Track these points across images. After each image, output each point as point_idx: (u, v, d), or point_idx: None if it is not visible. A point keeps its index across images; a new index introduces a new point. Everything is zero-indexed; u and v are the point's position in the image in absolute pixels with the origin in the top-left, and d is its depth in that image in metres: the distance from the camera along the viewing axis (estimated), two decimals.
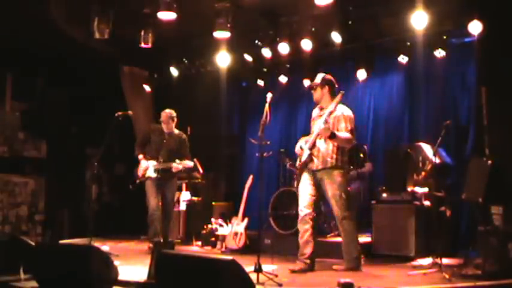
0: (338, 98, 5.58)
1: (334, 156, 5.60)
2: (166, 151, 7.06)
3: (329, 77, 5.84)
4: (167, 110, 7.19)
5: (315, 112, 5.93)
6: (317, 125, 5.67)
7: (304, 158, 5.69)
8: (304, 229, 5.64)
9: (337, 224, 5.71)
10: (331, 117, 5.60)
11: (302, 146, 5.78)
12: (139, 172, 7.04)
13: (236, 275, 3.62)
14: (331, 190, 5.59)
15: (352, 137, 5.63)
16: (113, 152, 7.58)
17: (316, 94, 5.81)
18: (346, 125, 5.59)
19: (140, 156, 7.06)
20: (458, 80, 7.50)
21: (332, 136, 5.43)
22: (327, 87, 5.78)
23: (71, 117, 9.59)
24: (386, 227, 6.64)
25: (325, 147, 5.62)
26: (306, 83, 8.78)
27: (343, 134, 5.54)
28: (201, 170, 8.71)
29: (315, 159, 5.65)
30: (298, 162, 5.85)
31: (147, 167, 7.00)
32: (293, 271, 5.48)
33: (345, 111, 5.67)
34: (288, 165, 7.60)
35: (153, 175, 6.99)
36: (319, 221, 6.35)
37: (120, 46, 8.54)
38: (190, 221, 8.29)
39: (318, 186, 5.69)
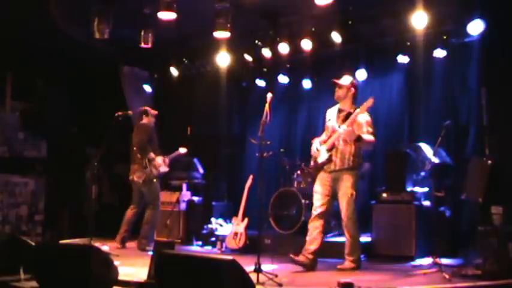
0: (370, 103, 5.53)
1: (352, 158, 5.71)
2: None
3: (357, 82, 6.01)
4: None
5: (332, 112, 5.98)
6: (334, 126, 5.77)
7: (322, 159, 5.80)
8: (315, 226, 5.74)
9: (342, 222, 5.76)
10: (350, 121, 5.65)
11: (318, 147, 5.87)
12: (163, 169, 7.25)
13: (236, 275, 3.62)
14: (344, 189, 5.69)
15: (375, 140, 5.73)
16: (113, 152, 7.57)
17: (341, 92, 5.85)
18: (368, 128, 5.67)
19: (153, 155, 7.19)
20: (458, 80, 7.48)
21: (357, 139, 5.52)
22: (353, 90, 5.86)
23: (71, 117, 9.58)
24: (387, 227, 6.64)
25: (344, 149, 5.71)
26: (306, 83, 8.80)
27: (367, 136, 5.62)
28: (201, 170, 8.71)
29: (333, 161, 5.74)
30: (312, 163, 5.97)
31: (160, 164, 7.23)
32: (293, 260, 5.58)
33: (364, 115, 5.71)
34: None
35: (166, 170, 7.31)
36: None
37: (120, 46, 8.53)
38: (190, 221, 8.28)
39: (333, 186, 5.79)
